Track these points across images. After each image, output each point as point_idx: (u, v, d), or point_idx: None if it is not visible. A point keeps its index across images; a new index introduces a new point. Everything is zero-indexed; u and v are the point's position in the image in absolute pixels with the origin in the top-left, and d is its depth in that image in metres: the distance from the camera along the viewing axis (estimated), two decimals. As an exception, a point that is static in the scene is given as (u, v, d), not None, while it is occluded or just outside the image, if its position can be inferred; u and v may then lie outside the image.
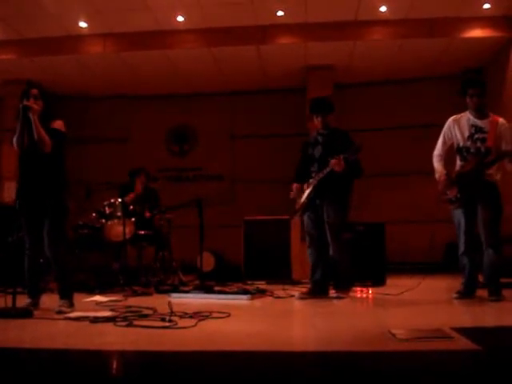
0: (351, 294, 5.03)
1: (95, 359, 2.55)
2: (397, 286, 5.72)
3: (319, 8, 7.23)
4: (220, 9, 7.20)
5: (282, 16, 7.46)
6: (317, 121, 5.06)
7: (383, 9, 7.24)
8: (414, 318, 3.75)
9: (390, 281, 6.22)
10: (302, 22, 7.62)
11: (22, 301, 4.08)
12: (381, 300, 4.91)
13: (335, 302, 4.69)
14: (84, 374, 2.25)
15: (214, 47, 7.94)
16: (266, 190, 9.26)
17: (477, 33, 7.57)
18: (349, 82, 9.18)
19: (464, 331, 2.91)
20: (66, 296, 4.15)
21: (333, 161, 4.73)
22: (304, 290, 5.09)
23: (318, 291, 4.89)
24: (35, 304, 4.16)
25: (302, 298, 4.86)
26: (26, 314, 3.74)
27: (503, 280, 5.01)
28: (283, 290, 5.43)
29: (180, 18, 7.47)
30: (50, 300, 4.41)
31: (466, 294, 4.52)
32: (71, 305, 4.11)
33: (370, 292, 5.54)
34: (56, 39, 7.84)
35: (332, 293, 4.91)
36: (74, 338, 3.08)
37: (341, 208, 4.90)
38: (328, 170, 4.79)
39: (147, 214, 6.44)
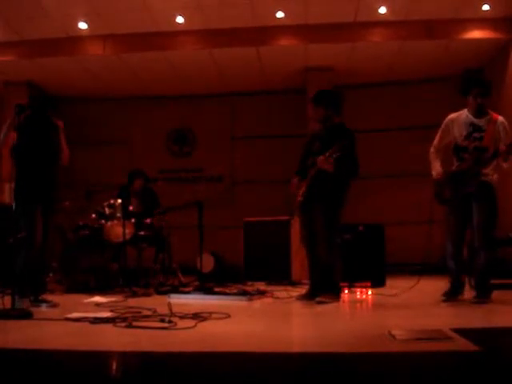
0: (337, 300, 4.66)
1: (95, 360, 2.55)
2: (396, 287, 5.71)
3: (319, 9, 7.23)
4: (220, 10, 7.21)
5: (281, 17, 7.46)
6: (317, 114, 4.84)
7: (383, 10, 7.25)
8: (413, 319, 3.75)
9: (389, 282, 6.22)
10: (301, 23, 7.63)
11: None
12: (380, 301, 4.91)
13: (323, 305, 4.45)
14: (83, 375, 2.25)
15: (213, 48, 7.94)
16: (265, 191, 9.26)
17: (476, 34, 7.57)
18: (348, 83, 9.18)
19: (463, 332, 2.91)
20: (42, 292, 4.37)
21: (319, 159, 4.56)
22: (304, 291, 5.07)
23: (315, 293, 4.73)
24: (36, 300, 4.19)
25: (300, 300, 4.79)
26: (25, 315, 3.74)
27: (504, 281, 5.02)
28: (285, 290, 5.40)
29: (180, 20, 7.47)
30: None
31: (453, 295, 4.48)
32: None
33: (370, 293, 5.55)
34: (56, 40, 7.84)
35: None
36: (73, 339, 3.08)
37: (331, 208, 4.67)
38: (316, 169, 4.61)
39: (147, 221, 6.43)
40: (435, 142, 4.67)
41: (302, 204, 4.83)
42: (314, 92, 5.04)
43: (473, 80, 4.60)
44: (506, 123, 4.41)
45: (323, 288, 4.70)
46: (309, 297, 4.79)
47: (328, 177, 4.62)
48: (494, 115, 4.44)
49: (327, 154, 4.52)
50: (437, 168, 4.58)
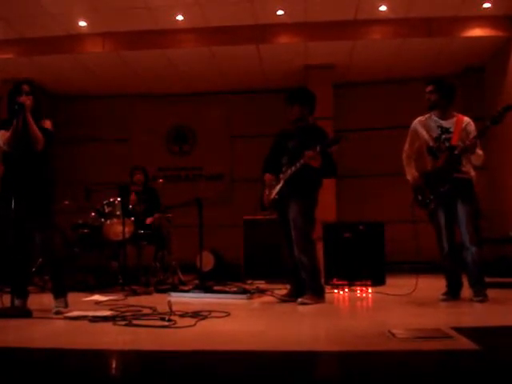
0: (320, 301, 4.52)
1: (94, 359, 2.55)
2: (396, 285, 5.72)
3: (319, 7, 7.23)
4: (219, 8, 7.20)
5: (281, 15, 7.45)
6: (293, 112, 4.70)
7: (383, 8, 7.24)
8: (413, 318, 3.75)
9: (389, 280, 6.22)
10: (301, 21, 7.62)
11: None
12: (380, 299, 4.91)
13: (302, 306, 4.36)
14: (83, 374, 2.25)
15: (213, 46, 7.94)
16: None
17: (477, 32, 7.56)
18: (348, 81, 9.18)
19: (463, 331, 2.91)
20: (61, 295, 4.05)
21: (308, 153, 4.35)
22: (285, 291, 4.86)
23: (296, 293, 4.62)
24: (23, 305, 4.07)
25: (284, 302, 4.64)
26: (25, 313, 3.73)
27: (505, 280, 5.02)
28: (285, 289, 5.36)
29: (179, 18, 7.47)
30: (49, 300, 4.40)
31: (453, 295, 4.49)
32: (66, 305, 4.03)
33: (370, 291, 5.54)
34: (55, 38, 7.84)
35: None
36: (73, 338, 3.08)
37: (306, 206, 4.54)
38: (302, 162, 4.41)
39: (148, 221, 6.42)
40: (406, 147, 4.74)
41: (277, 202, 4.72)
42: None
43: (433, 79, 4.63)
44: (472, 123, 4.49)
45: (306, 288, 4.55)
46: (292, 296, 4.66)
47: (309, 174, 4.50)
48: (460, 116, 4.51)
49: (317, 149, 4.35)
50: (412, 173, 4.65)
